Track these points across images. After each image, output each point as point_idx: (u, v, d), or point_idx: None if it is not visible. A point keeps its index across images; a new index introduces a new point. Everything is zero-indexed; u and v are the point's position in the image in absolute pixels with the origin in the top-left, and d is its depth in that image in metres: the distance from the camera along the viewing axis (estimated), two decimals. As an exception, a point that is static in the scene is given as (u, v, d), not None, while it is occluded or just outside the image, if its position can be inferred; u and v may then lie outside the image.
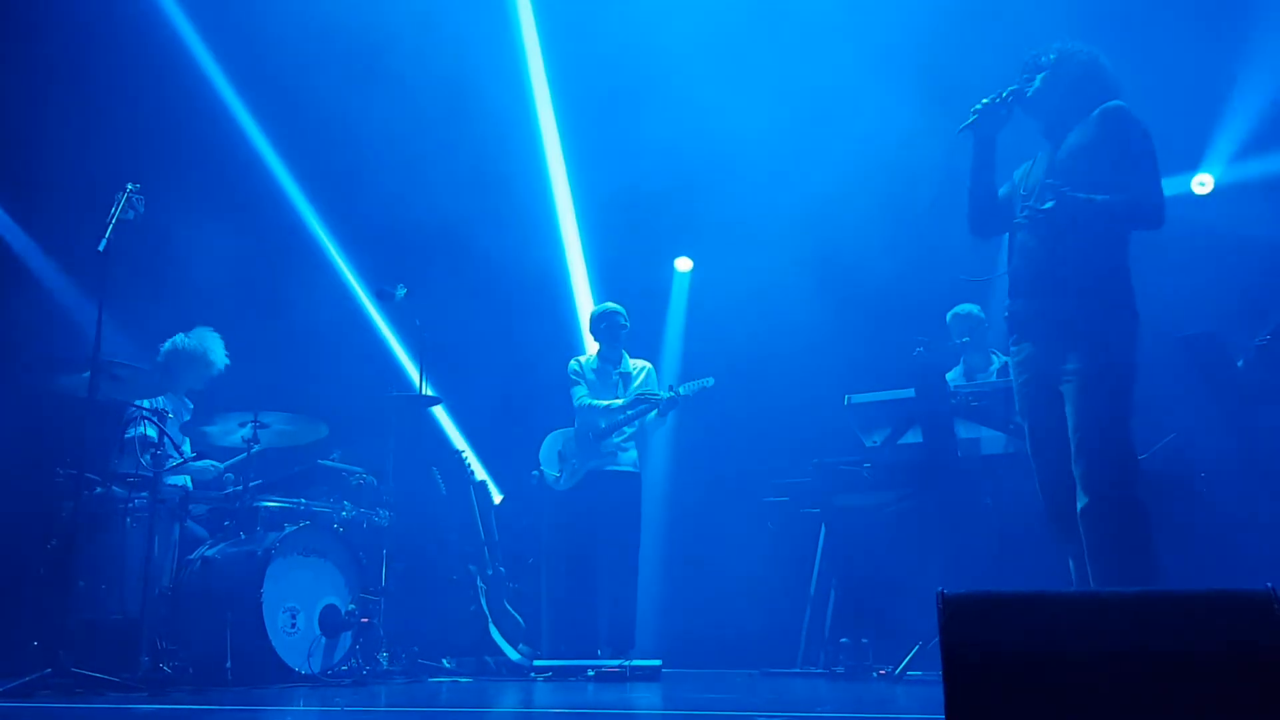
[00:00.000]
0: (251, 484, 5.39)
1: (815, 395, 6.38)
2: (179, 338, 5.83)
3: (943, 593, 2.09)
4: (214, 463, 5.71)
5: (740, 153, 7.03)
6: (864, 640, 5.70)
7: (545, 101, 7.61)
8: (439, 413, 7.61)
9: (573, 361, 6.55)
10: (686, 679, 5.62)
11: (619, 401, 6.29)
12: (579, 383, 6.41)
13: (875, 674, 5.48)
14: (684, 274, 8.01)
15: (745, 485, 6.50)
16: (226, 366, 5.87)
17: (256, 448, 5.37)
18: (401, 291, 6.16)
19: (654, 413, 6.25)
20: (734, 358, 6.95)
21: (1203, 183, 6.59)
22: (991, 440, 5.76)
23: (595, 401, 6.32)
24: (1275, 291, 4.91)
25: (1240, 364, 4.55)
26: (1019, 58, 3.93)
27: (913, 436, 5.73)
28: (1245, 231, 5.83)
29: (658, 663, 5.58)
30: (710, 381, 6.23)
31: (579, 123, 7.40)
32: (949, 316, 6.18)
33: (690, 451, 6.99)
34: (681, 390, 6.21)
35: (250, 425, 5.40)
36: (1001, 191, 3.93)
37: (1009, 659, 1.97)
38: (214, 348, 5.84)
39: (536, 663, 5.76)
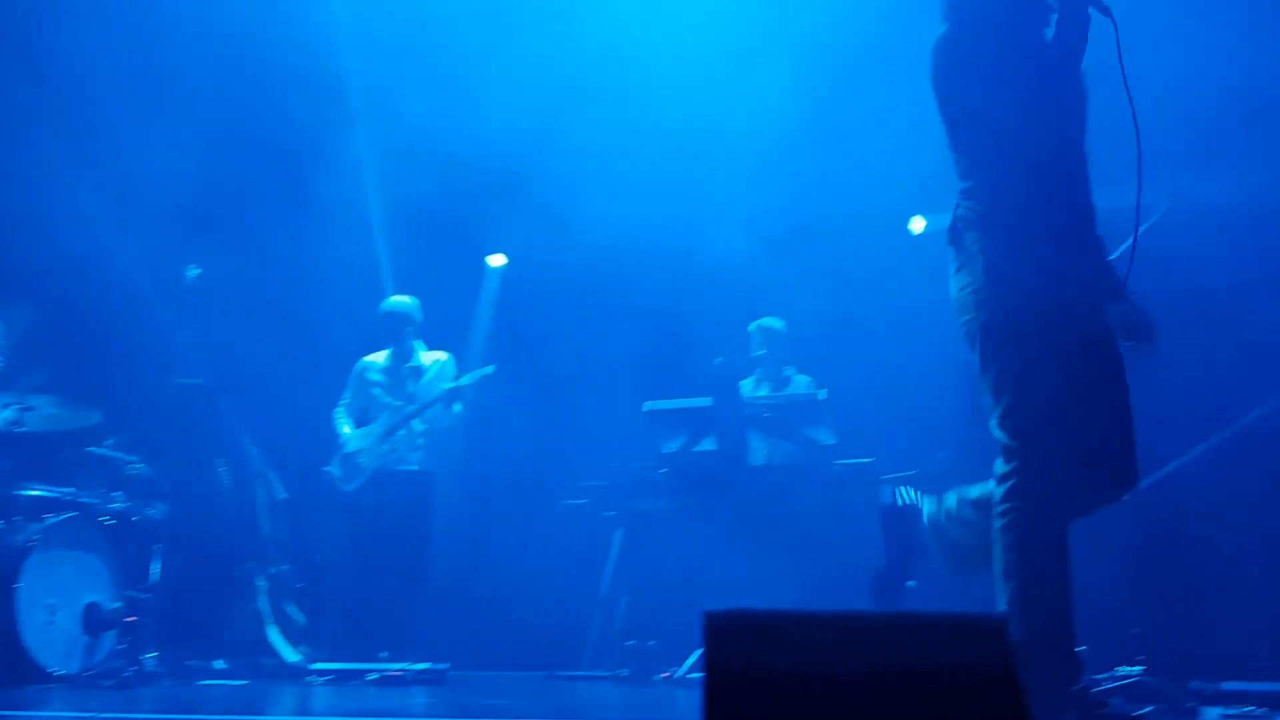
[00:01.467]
0: (8, 470, 5.06)
1: (619, 400, 6.42)
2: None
3: (707, 612, 2.13)
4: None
5: (556, 152, 7.00)
6: (650, 643, 5.78)
7: (356, 91, 7.40)
8: (227, 403, 7.28)
9: (360, 362, 6.43)
10: (472, 682, 5.56)
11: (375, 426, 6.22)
12: (347, 391, 6.38)
13: (658, 677, 5.56)
14: (496, 270, 7.93)
15: (542, 487, 6.48)
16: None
17: (21, 429, 5.05)
18: (194, 272, 5.88)
19: (437, 407, 6.17)
20: (541, 360, 6.93)
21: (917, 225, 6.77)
22: (783, 451, 5.95)
23: (343, 422, 6.28)
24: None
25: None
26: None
27: (708, 444, 5.85)
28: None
29: (444, 666, 5.50)
30: (490, 369, 6.18)
31: (388, 115, 7.21)
32: (752, 327, 6.32)
33: (487, 451, 6.91)
34: (462, 380, 6.15)
35: (14, 408, 5.07)
36: None
37: (768, 678, 2.02)
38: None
39: (315, 665, 5.59)
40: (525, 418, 6.67)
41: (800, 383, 6.17)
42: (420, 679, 5.36)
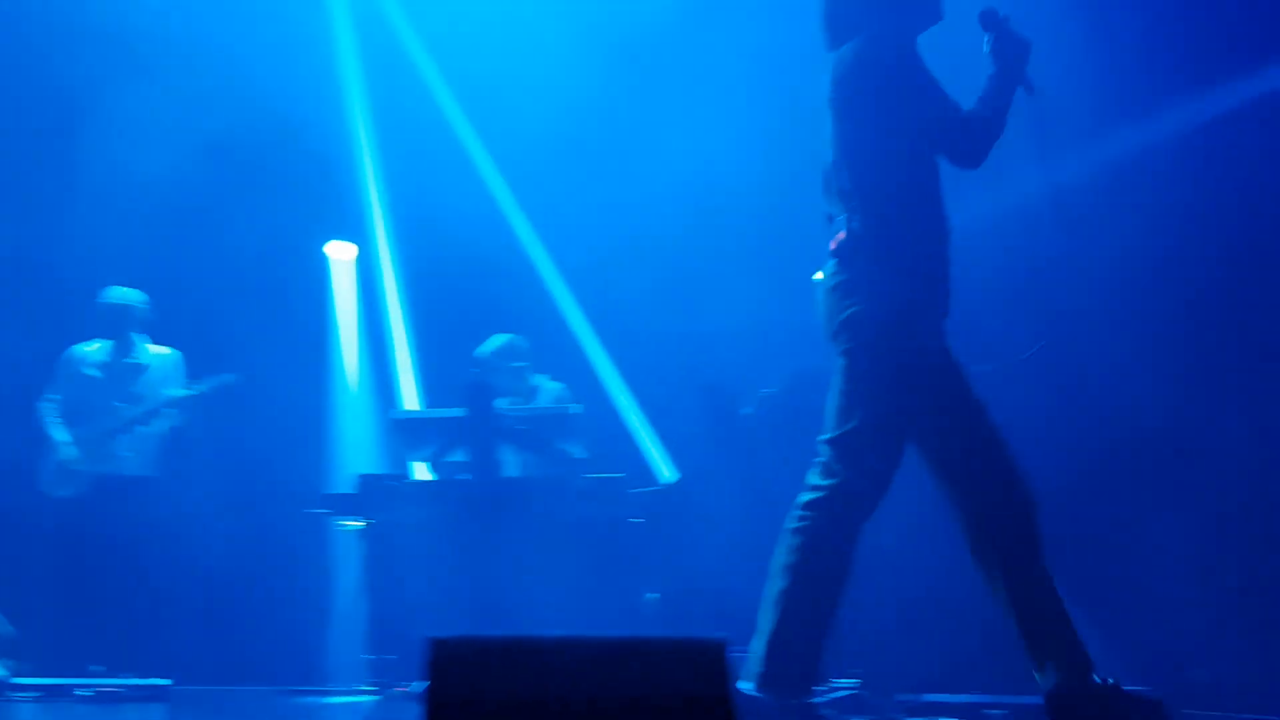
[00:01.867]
0: None
1: (369, 406, 6.30)
2: None
3: (431, 638, 2.12)
4: None
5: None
6: (390, 657, 5.66)
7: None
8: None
9: (69, 352, 6.04)
10: (195, 699, 5.30)
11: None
12: (54, 384, 6.00)
13: (395, 691, 5.46)
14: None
15: (279, 496, 6.26)
16: None
17: None
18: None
19: (165, 411, 5.92)
20: (292, 363, 6.70)
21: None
22: (534, 464, 5.98)
23: (52, 421, 5.92)
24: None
25: (747, 411, 5.03)
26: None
27: (458, 455, 5.80)
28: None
29: (166, 682, 5.22)
30: (231, 378, 5.95)
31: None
32: (497, 344, 6.31)
33: (219, 457, 6.60)
34: (196, 388, 5.91)
35: None
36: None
37: (489, 706, 2.03)
38: None
39: (18, 680, 5.18)
40: (264, 423, 6.42)
41: (551, 390, 6.19)
42: (138, 695, 5.06)
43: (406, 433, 5.78)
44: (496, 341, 6.20)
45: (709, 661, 2.09)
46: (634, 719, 2.02)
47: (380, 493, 5.80)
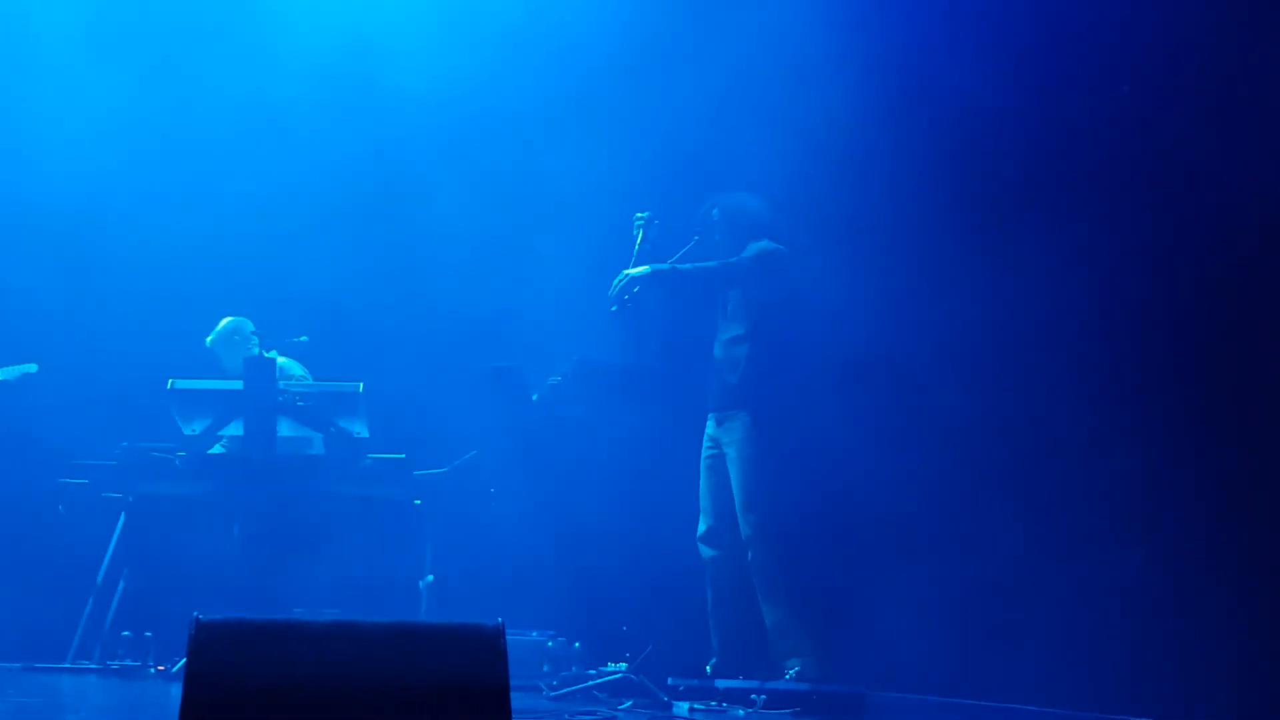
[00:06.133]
0: None
1: (139, 376, 6.00)
2: None
3: (197, 617, 2.06)
4: None
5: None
6: (148, 634, 5.44)
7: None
8: None
9: None
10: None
11: None
12: None
13: (153, 670, 5.26)
14: None
15: (42, 466, 5.89)
16: None
17: None
18: None
19: None
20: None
21: None
22: (315, 441, 5.83)
23: None
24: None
25: (535, 397, 5.08)
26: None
27: (234, 429, 5.60)
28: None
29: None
30: (33, 368, 5.78)
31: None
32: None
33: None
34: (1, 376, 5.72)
35: None
36: None
37: (252, 688, 1.98)
38: None
39: None
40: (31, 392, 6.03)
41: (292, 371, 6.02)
42: None
43: (183, 402, 5.53)
44: (225, 323, 6.05)
45: (486, 647, 2.10)
46: (407, 705, 2.02)
47: (147, 464, 5.56)
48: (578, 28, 6.09)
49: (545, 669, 5.19)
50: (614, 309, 4.63)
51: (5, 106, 6.58)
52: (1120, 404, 4.54)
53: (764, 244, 4.79)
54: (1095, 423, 4.62)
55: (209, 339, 6.04)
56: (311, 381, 5.82)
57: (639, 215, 4.90)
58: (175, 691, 4.50)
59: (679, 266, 4.72)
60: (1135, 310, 4.46)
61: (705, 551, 4.84)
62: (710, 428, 4.88)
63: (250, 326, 5.79)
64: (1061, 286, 4.71)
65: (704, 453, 4.90)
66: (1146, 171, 4.37)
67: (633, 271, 4.64)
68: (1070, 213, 4.67)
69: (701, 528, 4.85)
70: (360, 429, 5.55)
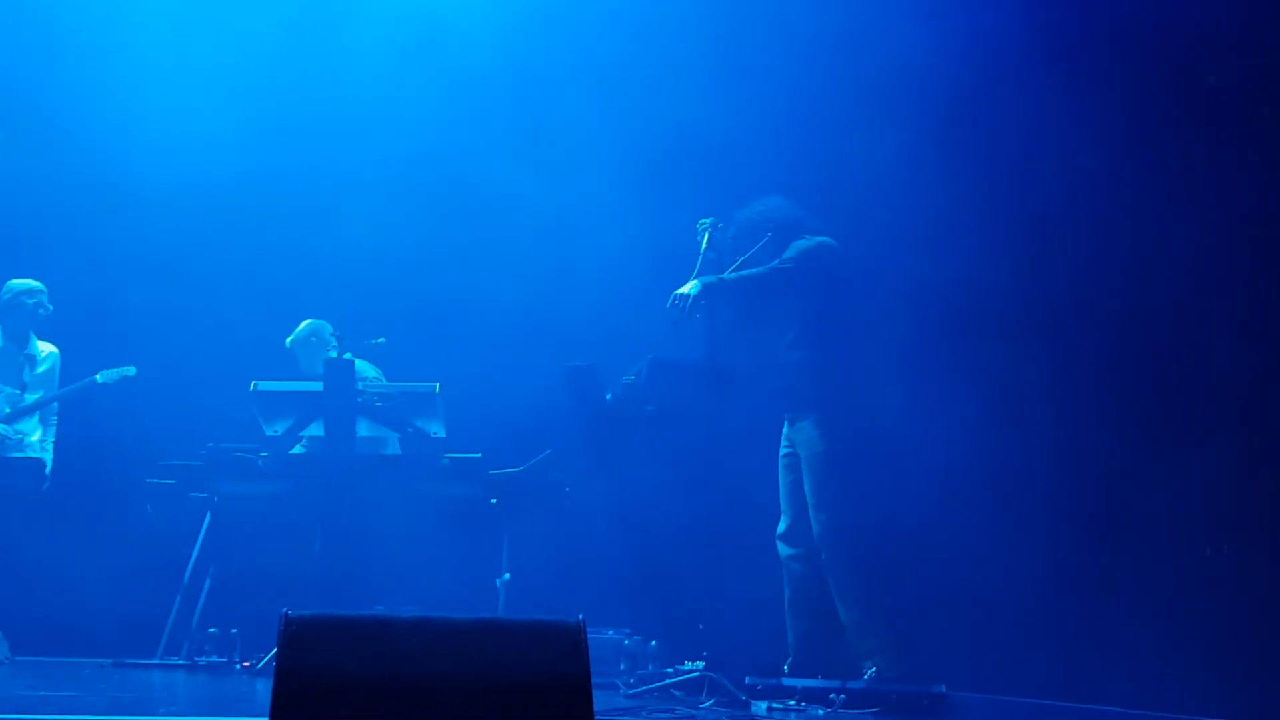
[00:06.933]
0: None
1: (220, 377, 6.14)
2: None
3: (286, 613, 2.10)
4: None
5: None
6: (233, 631, 5.56)
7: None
8: None
9: None
10: (30, 670, 5.11)
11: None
12: None
13: (239, 666, 5.37)
14: None
15: (128, 464, 6.06)
16: None
17: None
18: None
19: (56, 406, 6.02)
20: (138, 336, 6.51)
21: None
22: (393, 441, 5.92)
23: None
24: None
25: (609, 396, 5.10)
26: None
27: (315, 429, 5.71)
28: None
29: (-2, 651, 5.01)
30: (131, 370, 6.02)
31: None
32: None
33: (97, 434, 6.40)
34: (99, 379, 5.98)
35: None
36: None
37: (341, 682, 2.02)
38: None
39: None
40: (121, 395, 6.20)
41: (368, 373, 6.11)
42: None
43: (265, 404, 5.65)
44: (305, 325, 6.16)
45: (567, 643, 2.12)
46: (492, 700, 2.04)
47: (231, 465, 5.67)
48: (662, 29, 6.14)
49: (622, 667, 5.22)
50: (672, 326, 4.65)
51: (97, 120, 6.75)
52: (1207, 401, 4.45)
53: (803, 240, 4.79)
54: (1180, 421, 4.53)
55: (289, 341, 6.17)
56: (385, 383, 5.91)
57: (702, 222, 4.91)
58: (261, 687, 4.61)
59: (726, 278, 4.71)
60: (1218, 308, 4.38)
61: (783, 550, 4.84)
62: (786, 428, 4.92)
63: (330, 329, 5.89)
64: (1145, 275, 4.64)
65: (781, 451, 4.94)
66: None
67: (683, 290, 4.65)
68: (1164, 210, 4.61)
69: (781, 526, 4.86)
70: (437, 429, 5.63)
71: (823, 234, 4.85)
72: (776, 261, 4.74)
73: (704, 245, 4.84)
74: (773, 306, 4.87)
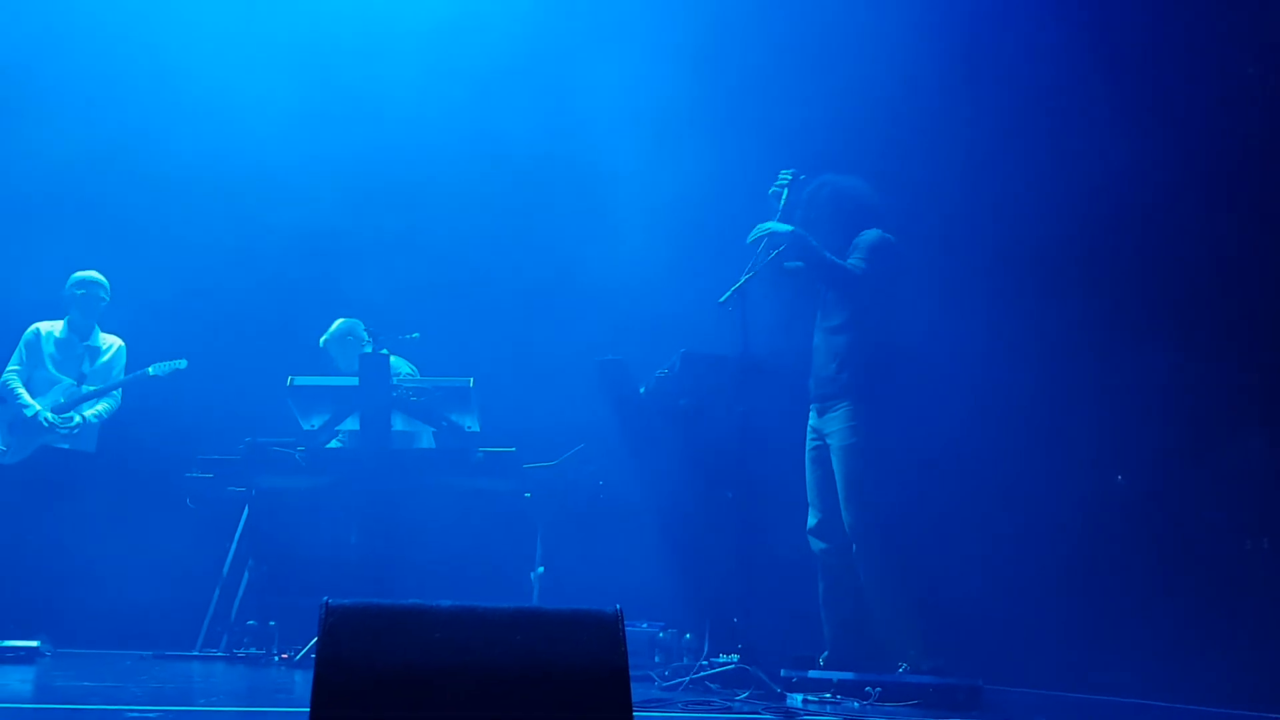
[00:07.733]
0: None
1: (257, 373, 6.20)
2: None
3: (327, 602, 2.12)
4: None
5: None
6: (271, 623, 5.62)
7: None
8: None
9: (31, 329, 6.14)
10: (68, 661, 5.18)
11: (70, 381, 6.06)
12: (18, 356, 6.12)
13: (277, 658, 5.42)
14: None
15: (169, 459, 6.14)
16: None
17: None
18: None
19: (119, 392, 6.15)
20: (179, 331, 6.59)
21: None
22: (428, 436, 5.95)
23: (15, 385, 6.03)
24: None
25: (642, 390, 5.10)
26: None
27: (351, 424, 5.75)
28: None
29: (34, 643, 5.08)
30: (183, 364, 6.13)
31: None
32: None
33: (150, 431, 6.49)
34: (151, 371, 6.10)
35: None
36: None
37: (382, 671, 2.03)
38: None
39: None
40: (163, 390, 6.28)
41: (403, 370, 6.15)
42: (9, 657, 4.92)
43: (302, 399, 5.69)
44: (339, 324, 6.20)
45: (606, 633, 2.12)
46: (531, 688, 2.05)
47: (268, 459, 5.73)
48: (708, 29, 6.16)
49: (656, 659, 5.23)
50: (722, 300, 4.57)
51: (146, 118, 6.84)
52: (1247, 396, 4.41)
53: (875, 234, 4.68)
54: (1221, 415, 4.49)
55: (322, 339, 6.21)
56: (418, 378, 5.94)
57: (784, 173, 4.77)
58: (299, 678, 4.66)
59: (814, 242, 4.56)
60: (1266, 302, 4.33)
61: (815, 544, 4.79)
62: (812, 419, 4.79)
63: (364, 327, 5.93)
64: (1179, 275, 4.60)
65: (808, 445, 4.81)
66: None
67: (776, 226, 4.53)
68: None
69: (811, 521, 4.80)
70: (471, 423, 5.65)
71: (890, 219, 4.75)
72: (853, 258, 4.62)
73: (784, 196, 4.71)
74: (830, 293, 4.79)
